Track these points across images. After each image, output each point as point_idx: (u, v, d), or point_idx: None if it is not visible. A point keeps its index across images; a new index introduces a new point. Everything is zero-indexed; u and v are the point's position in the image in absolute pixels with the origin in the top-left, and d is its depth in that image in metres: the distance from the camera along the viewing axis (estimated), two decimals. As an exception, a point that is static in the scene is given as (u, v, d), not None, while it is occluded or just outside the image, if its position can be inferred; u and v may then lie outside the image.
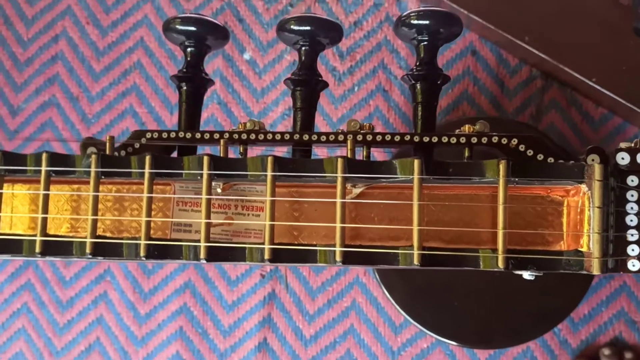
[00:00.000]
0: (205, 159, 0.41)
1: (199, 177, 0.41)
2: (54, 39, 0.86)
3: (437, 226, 0.42)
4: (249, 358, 0.80)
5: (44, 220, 0.42)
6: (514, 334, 0.71)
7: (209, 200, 0.40)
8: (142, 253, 0.41)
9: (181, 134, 0.46)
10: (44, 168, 0.43)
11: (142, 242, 0.40)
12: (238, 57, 0.84)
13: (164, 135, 0.47)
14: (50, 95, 0.85)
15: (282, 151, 0.48)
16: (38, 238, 0.41)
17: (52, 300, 0.83)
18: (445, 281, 0.71)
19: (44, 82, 0.86)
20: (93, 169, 0.42)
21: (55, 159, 0.43)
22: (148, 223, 0.41)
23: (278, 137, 0.45)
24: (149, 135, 0.47)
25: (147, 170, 0.41)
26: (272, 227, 0.39)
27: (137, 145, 0.47)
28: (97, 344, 0.82)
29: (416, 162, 0.39)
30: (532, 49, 0.72)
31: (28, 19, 0.87)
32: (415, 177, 0.39)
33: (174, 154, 0.48)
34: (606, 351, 0.73)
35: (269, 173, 0.40)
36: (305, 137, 0.46)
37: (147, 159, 0.41)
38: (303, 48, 0.47)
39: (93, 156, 0.42)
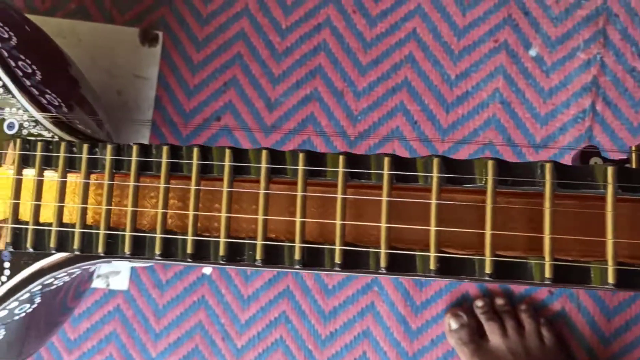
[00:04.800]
0: None
1: None
2: (316, 28, 0.80)
3: None
4: None
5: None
6: None
7: None
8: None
9: None
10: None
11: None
12: (523, 54, 0.77)
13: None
14: (312, 88, 0.79)
15: None
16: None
17: (313, 311, 0.77)
18: None
19: (305, 74, 0.79)
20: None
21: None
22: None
23: None
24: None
25: None
26: None
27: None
28: (364, 359, 0.76)
29: None
30: None
31: (287, 6, 0.80)
32: None
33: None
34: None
35: None
36: None
37: None
38: None
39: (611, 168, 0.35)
